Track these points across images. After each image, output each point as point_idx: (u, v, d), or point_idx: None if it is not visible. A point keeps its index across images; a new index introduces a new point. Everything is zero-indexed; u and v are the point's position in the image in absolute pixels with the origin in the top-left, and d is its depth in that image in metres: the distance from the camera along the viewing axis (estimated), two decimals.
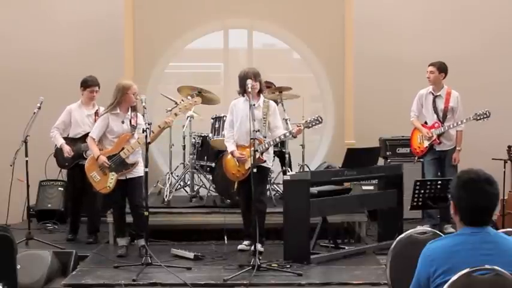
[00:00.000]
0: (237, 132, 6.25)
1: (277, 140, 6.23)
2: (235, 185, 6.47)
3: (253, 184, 5.69)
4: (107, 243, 6.85)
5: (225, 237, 6.77)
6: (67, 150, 6.77)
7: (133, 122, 6.15)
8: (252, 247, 5.82)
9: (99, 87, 6.92)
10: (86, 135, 6.83)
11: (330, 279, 5.45)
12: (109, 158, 6.12)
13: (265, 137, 6.15)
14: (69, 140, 6.86)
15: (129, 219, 6.41)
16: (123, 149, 6.10)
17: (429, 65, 7.11)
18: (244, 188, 6.27)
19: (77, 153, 6.82)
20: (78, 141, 6.85)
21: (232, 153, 6.22)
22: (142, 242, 6.11)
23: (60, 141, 6.83)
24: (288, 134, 6.17)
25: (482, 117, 6.84)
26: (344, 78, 8.27)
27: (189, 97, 6.34)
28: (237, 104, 6.29)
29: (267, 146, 6.10)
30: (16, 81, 8.53)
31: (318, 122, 6.16)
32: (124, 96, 6.12)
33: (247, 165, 6.08)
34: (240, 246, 6.43)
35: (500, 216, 7.24)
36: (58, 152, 6.97)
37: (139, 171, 6.17)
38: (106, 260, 6.10)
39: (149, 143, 5.82)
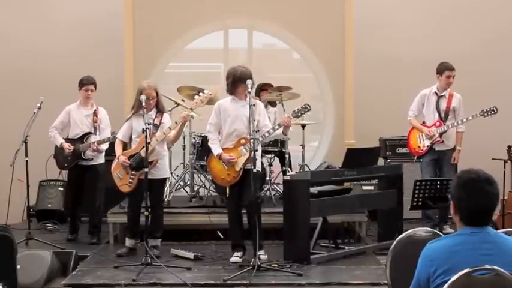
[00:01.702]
0: (225, 135, 5.95)
1: (267, 134, 5.92)
2: (228, 190, 6.04)
3: (253, 185, 5.56)
4: (107, 243, 6.85)
5: (220, 234, 6.65)
6: (67, 146, 6.78)
7: (156, 121, 6.16)
8: (245, 256, 5.90)
9: (95, 87, 6.92)
10: (85, 135, 6.86)
11: (330, 279, 5.45)
12: (130, 157, 6.17)
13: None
14: (68, 141, 6.87)
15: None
16: (143, 147, 6.11)
17: (453, 69, 6.97)
18: (234, 193, 5.96)
19: (76, 154, 6.83)
20: (77, 142, 6.86)
21: (219, 156, 5.88)
22: (154, 242, 6.17)
23: (60, 140, 6.85)
24: (276, 127, 5.90)
25: (489, 113, 6.77)
26: (344, 78, 8.28)
27: (206, 91, 6.21)
28: (223, 104, 5.98)
29: (261, 138, 5.89)
30: (16, 81, 8.53)
31: (306, 110, 5.98)
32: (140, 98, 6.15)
33: (238, 167, 5.87)
34: (233, 259, 5.94)
35: (500, 216, 7.24)
36: (58, 153, 6.98)
37: (162, 173, 6.19)
38: (106, 260, 6.10)
39: (149, 142, 5.84)
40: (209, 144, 6.08)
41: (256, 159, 5.70)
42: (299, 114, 6.03)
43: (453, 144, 7.08)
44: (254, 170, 5.60)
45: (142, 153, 6.05)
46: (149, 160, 5.97)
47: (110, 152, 6.84)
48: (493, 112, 6.78)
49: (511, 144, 7.27)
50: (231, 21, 8.68)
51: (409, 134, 7.30)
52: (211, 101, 7.41)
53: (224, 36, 8.84)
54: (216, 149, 5.95)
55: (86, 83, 6.87)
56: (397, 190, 6.70)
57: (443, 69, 7.01)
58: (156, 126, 6.17)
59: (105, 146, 6.85)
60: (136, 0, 8.26)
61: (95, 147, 6.72)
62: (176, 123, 6.04)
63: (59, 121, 6.94)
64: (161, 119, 6.20)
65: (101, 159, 6.92)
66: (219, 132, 6.07)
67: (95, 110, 6.94)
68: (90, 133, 6.88)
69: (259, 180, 6.07)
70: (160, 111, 6.24)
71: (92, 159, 6.84)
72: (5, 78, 8.56)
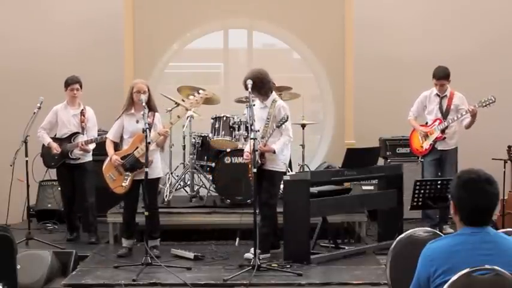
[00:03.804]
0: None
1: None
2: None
3: (256, 185, 5.64)
4: (107, 243, 6.86)
5: (237, 239, 6.67)
6: (55, 146, 6.78)
7: (148, 121, 6.12)
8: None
9: (80, 86, 6.90)
10: (72, 135, 6.86)
11: (330, 279, 5.45)
12: (123, 157, 6.13)
13: (263, 138, 5.97)
14: (56, 140, 6.87)
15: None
16: (137, 148, 6.09)
17: (440, 79, 6.91)
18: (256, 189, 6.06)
19: (63, 153, 6.82)
20: (64, 141, 6.86)
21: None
22: (153, 242, 6.16)
23: (47, 140, 6.85)
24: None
25: (487, 103, 6.66)
26: (344, 78, 8.27)
27: (200, 91, 6.22)
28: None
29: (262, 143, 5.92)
30: (16, 81, 8.53)
31: (284, 120, 5.88)
32: (132, 95, 6.14)
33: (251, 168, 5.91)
34: (246, 255, 6.04)
35: (500, 216, 7.24)
36: (45, 152, 6.99)
37: (155, 173, 6.12)
38: (106, 260, 6.11)
39: (149, 142, 5.84)
40: None
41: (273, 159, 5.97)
42: (279, 124, 5.92)
43: (456, 144, 7.08)
44: (254, 170, 5.66)
45: (136, 154, 6.07)
46: (144, 161, 5.96)
47: (98, 152, 6.84)
48: (491, 101, 6.66)
49: (511, 144, 7.27)
50: (230, 21, 8.68)
51: (411, 135, 7.30)
52: (210, 101, 7.45)
53: (224, 36, 8.84)
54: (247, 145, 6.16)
55: (70, 82, 6.86)
56: (397, 190, 6.70)
57: (433, 75, 6.98)
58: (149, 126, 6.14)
59: (92, 146, 6.85)
60: (136, 0, 8.26)
61: (82, 147, 6.72)
62: (171, 123, 6.16)
63: (47, 121, 6.93)
64: (153, 119, 6.14)
65: (88, 157, 6.91)
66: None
67: (82, 110, 6.93)
68: (77, 133, 6.87)
69: (275, 179, 6.10)
70: (152, 110, 6.15)
71: (80, 158, 6.84)
72: (5, 78, 8.56)
